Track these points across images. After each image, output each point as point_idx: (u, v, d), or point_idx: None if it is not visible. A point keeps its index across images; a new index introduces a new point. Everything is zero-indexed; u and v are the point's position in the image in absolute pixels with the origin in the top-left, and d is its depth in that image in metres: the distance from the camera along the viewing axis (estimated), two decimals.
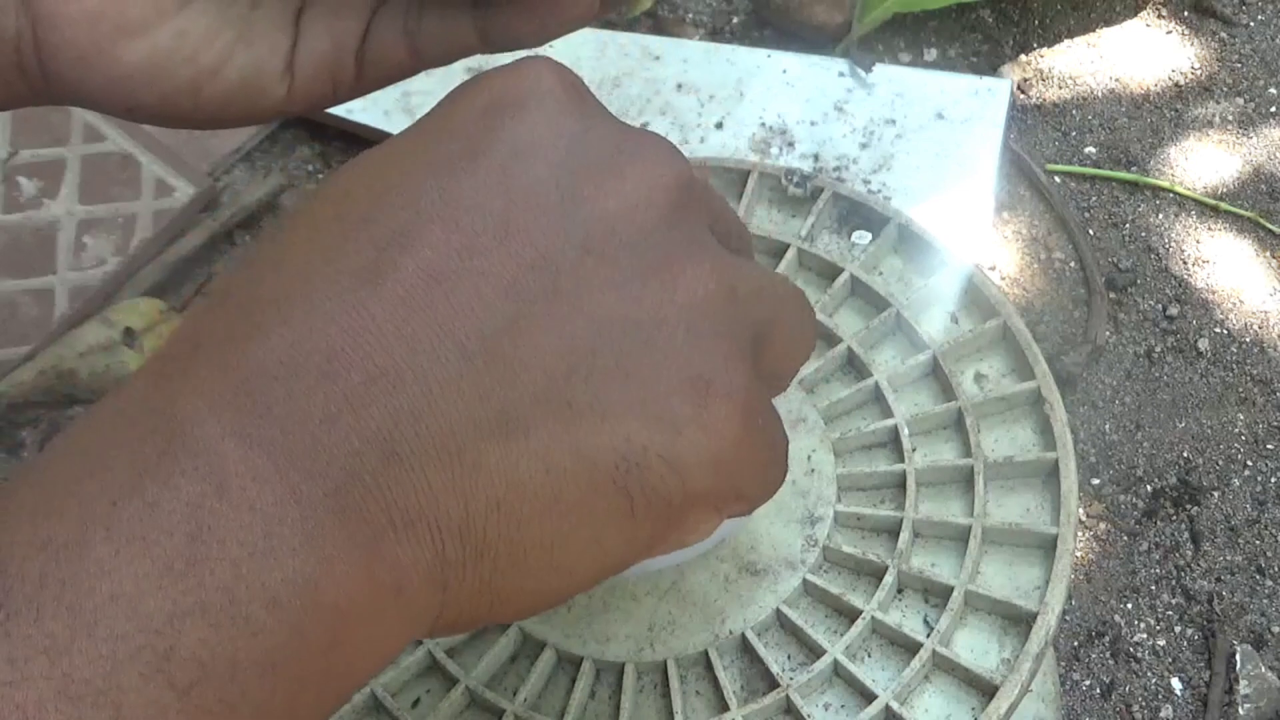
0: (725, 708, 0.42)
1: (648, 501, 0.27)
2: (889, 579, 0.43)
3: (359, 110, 0.87)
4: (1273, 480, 0.75)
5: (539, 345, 0.26)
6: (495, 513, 0.26)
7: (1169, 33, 0.95)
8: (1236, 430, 0.77)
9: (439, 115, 0.30)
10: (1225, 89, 0.92)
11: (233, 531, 0.23)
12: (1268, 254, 0.84)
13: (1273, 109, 0.91)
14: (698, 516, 0.29)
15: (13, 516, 0.23)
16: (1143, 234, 0.85)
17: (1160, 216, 0.86)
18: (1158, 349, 0.80)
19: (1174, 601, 0.71)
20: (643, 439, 0.27)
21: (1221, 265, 0.83)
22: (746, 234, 0.34)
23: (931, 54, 0.94)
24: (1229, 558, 0.73)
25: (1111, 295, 0.82)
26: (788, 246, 0.52)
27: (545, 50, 0.40)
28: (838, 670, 0.42)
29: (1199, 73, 0.93)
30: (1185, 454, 0.76)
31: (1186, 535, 0.73)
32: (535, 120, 0.29)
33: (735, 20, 0.96)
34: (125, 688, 0.22)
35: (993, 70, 0.94)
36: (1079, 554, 0.72)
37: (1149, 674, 0.69)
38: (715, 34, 0.95)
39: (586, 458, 0.27)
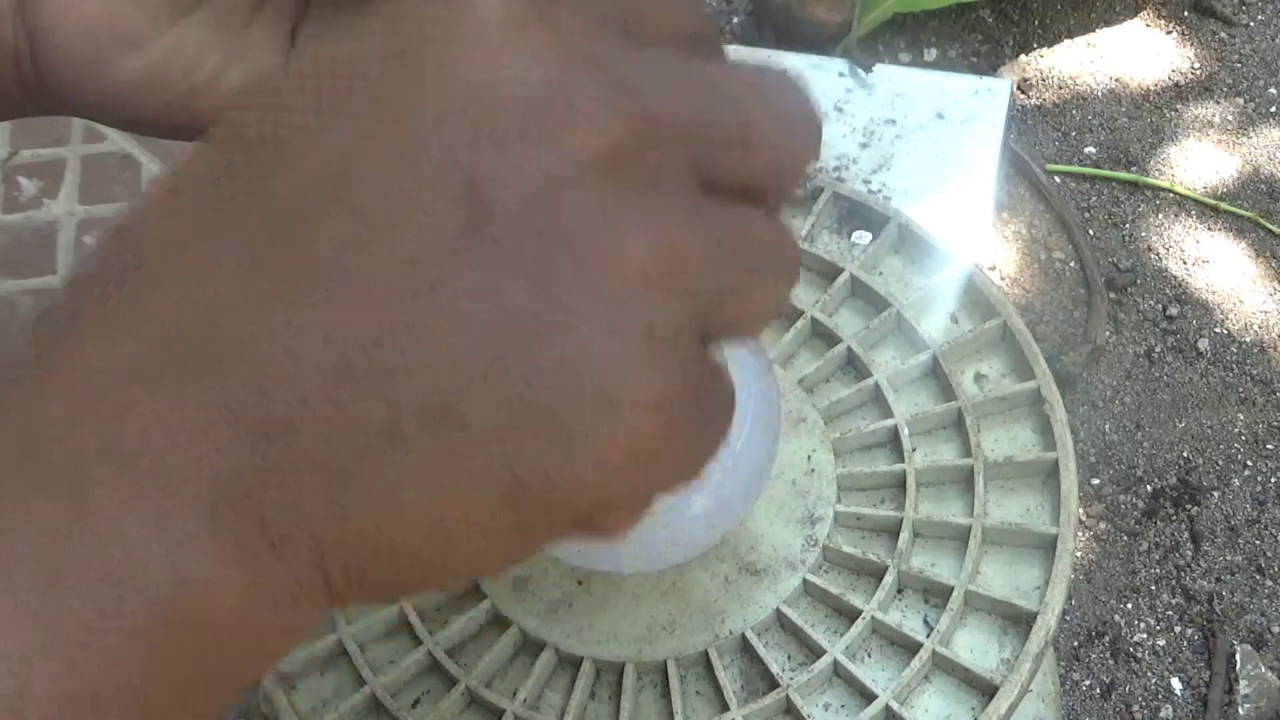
0: (725, 708, 0.41)
1: (546, 519, 0.25)
2: (889, 579, 0.43)
3: None
4: (1273, 480, 0.75)
5: (423, 354, 0.24)
6: (376, 534, 0.24)
7: (1169, 33, 0.95)
8: (1236, 430, 0.77)
9: (353, 47, 0.25)
10: (1225, 89, 0.92)
11: (90, 560, 0.22)
12: (1268, 254, 0.84)
13: (1273, 109, 0.91)
14: (612, 519, 0.27)
15: None
16: (1143, 234, 0.85)
17: (1160, 216, 0.86)
18: (1158, 349, 0.80)
19: (1174, 601, 0.71)
20: (536, 455, 0.24)
21: (1221, 265, 0.83)
22: (735, 140, 0.27)
23: (931, 54, 0.94)
24: (1229, 558, 0.73)
25: (1111, 295, 0.82)
26: None
27: None
28: (838, 670, 0.42)
29: (1199, 73, 0.93)
30: (1185, 454, 0.76)
31: (1186, 535, 0.73)
32: (453, 75, 0.25)
33: (735, 20, 0.96)
34: None
35: (993, 70, 0.94)
36: (1079, 554, 0.72)
37: (1149, 674, 0.69)
38: None
39: (473, 478, 0.24)
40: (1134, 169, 0.88)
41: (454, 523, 0.25)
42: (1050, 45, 0.95)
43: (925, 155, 0.82)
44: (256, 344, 0.23)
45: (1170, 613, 0.71)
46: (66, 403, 0.22)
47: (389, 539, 0.25)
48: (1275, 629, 0.70)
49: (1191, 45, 0.95)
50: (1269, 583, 0.71)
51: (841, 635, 0.43)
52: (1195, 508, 0.74)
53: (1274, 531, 0.73)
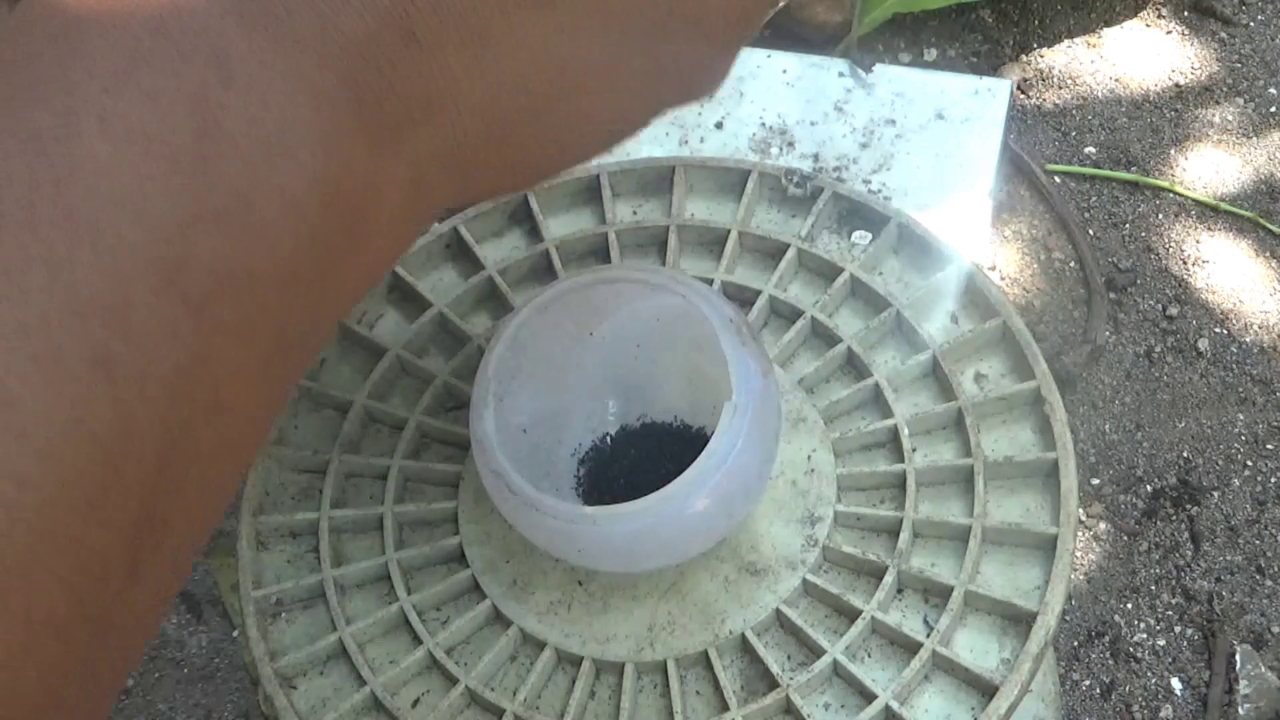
0: (725, 708, 0.42)
1: (675, 63, 0.25)
2: (889, 579, 0.43)
3: None
4: (1273, 480, 0.75)
5: None
6: (523, 93, 0.23)
7: (1169, 33, 0.95)
8: (1236, 430, 0.77)
9: None
10: (1225, 89, 0.92)
11: (243, 126, 0.20)
12: (1268, 254, 0.84)
13: (1273, 109, 0.91)
14: (716, 66, 0.27)
15: None
16: (1143, 234, 0.85)
17: (1160, 216, 0.86)
18: (1158, 349, 0.80)
19: (1174, 601, 0.71)
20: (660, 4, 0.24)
21: (1221, 265, 0.83)
22: None
23: (931, 54, 0.94)
24: (1229, 558, 0.73)
25: (1111, 295, 0.82)
26: (788, 246, 0.52)
27: None
28: (838, 670, 0.42)
29: (1199, 73, 0.93)
30: (1185, 454, 0.76)
31: (1186, 535, 0.73)
32: None
33: None
34: (135, 303, 0.19)
35: (993, 70, 0.94)
36: (1079, 554, 0.72)
37: (1149, 674, 0.69)
38: None
39: (615, 25, 0.24)
40: (1134, 169, 0.88)
41: (596, 77, 0.24)
42: (1050, 45, 0.95)
43: (925, 155, 0.82)
44: None
45: (1170, 613, 0.71)
46: None
47: (533, 97, 0.24)
48: (1275, 629, 0.70)
49: (1191, 45, 0.95)
50: (1269, 583, 0.71)
51: (841, 635, 0.43)
52: (1195, 508, 0.74)
53: (1274, 531, 0.73)
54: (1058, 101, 0.92)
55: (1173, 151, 0.89)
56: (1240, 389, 0.79)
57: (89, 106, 0.19)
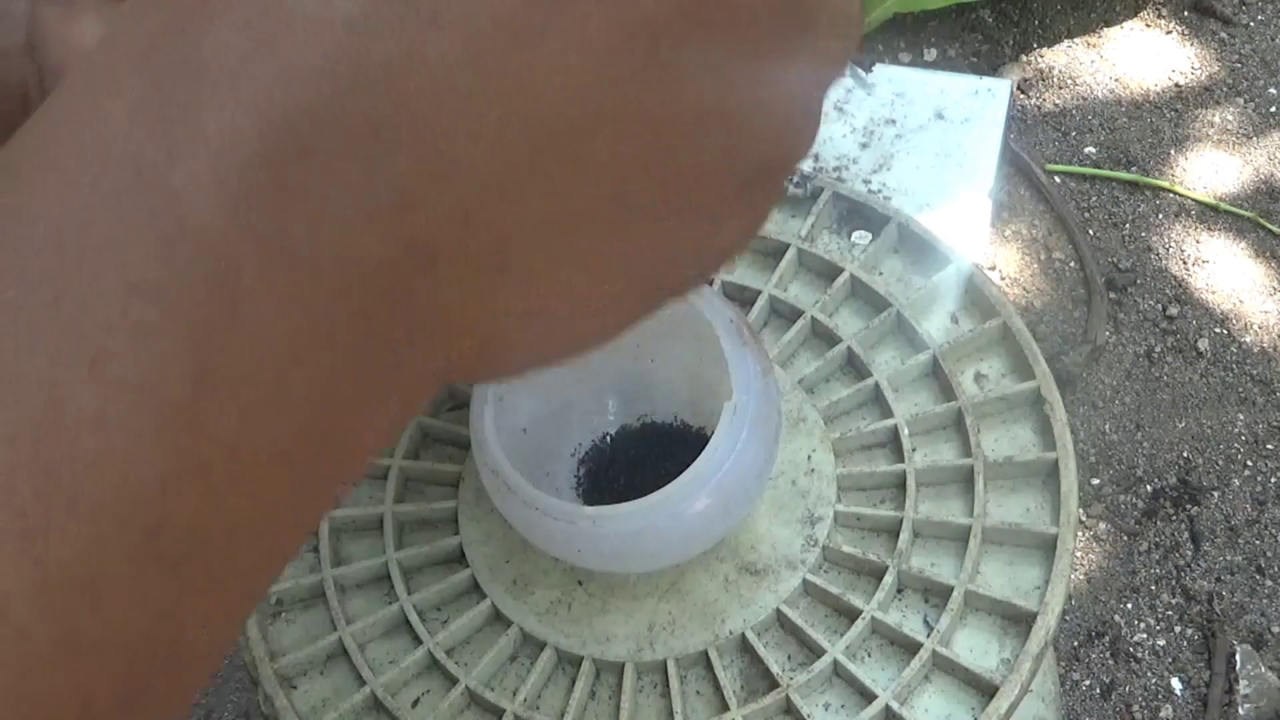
0: (725, 708, 0.42)
1: (671, 289, 0.25)
2: (889, 579, 0.43)
3: None
4: (1273, 480, 0.75)
5: (620, 142, 0.22)
6: (526, 321, 0.23)
7: (1169, 33, 0.95)
8: (1236, 430, 0.77)
9: None
10: (1225, 89, 0.92)
11: (242, 372, 0.19)
12: (1268, 254, 0.84)
13: (1273, 109, 0.91)
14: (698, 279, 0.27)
15: None
16: (1143, 234, 0.85)
17: (1160, 216, 0.86)
18: (1158, 349, 0.80)
19: (1174, 601, 0.71)
20: (686, 234, 0.24)
21: (1221, 265, 0.83)
22: None
23: (931, 54, 0.94)
24: (1229, 558, 0.73)
25: (1111, 295, 0.82)
26: (788, 246, 0.52)
27: None
28: (838, 670, 0.42)
29: (1199, 73, 0.93)
30: (1185, 454, 0.76)
31: (1186, 535, 0.73)
32: None
33: None
34: (108, 572, 0.18)
35: (993, 70, 0.94)
36: (1079, 554, 0.72)
37: (1149, 674, 0.69)
38: None
39: (631, 263, 0.23)
40: (1134, 169, 0.88)
41: (600, 305, 0.24)
42: (1050, 45, 0.95)
43: (925, 155, 0.82)
44: (433, 112, 0.20)
45: (1170, 613, 0.71)
46: (219, 191, 0.18)
47: (539, 324, 0.23)
48: (1275, 629, 0.70)
49: (1191, 45, 0.95)
50: (1269, 583, 0.71)
51: (841, 635, 0.43)
52: (1195, 508, 0.74)
53: (1274, 531, 0.73)
54: (1058, 101, 0.92)
55: (1173, 151, 0.89)
56: (1240, 389, 0.79)
57: (81, 348, 0.18)
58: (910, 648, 0.43)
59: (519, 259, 0.22)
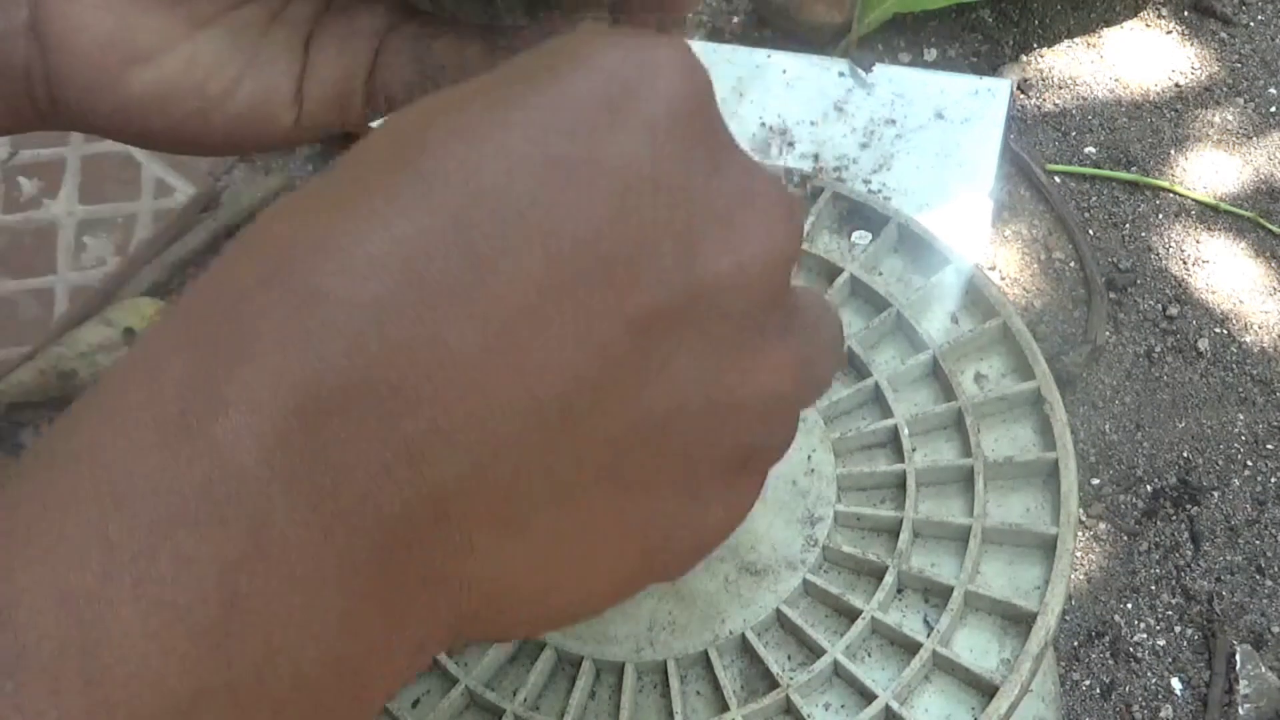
0: (725, 708, 0.41)
1: (663, 565, 0.28)
2: (889, 579, 0.43)
3: None
4: (1273, 480, 0.75)
5: (615, 417, 0.24)
6: (529, 577, 0.25)
7: (1169, 33, 0.95)
8: (1236, 430, 0.77)
9: (550, 90, 0.24)
10: (1225, 89, 0.92)
11: (270, 602, 0.21)
12: (1268, 254, 0.84)
13: (1273, 109, 0.91)
14: (691, 567, 0.30)
15: (21, 545, 0.20)
16: (1143, 234, 0.85)
17: (1160, 216, 0.86)
18: (1158, 349, 0.80)
19: (1174, 601, 0.71)
20: (677, 513, 0.27)
21: (1221, 265, 0.83)
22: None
23: (931, 54, 0.94)
24: (1229, 558, 0.73)
25: (1111, 295, 0.82)
26: None
27: None
28: (838, 670, 0.42)
29: (1199, 73, 0.93)
30: (1185, 454, 0.76)
31: (1186, 535, 0.73)
32: (664, 143, 0.24)
33: (735, 20, 0.96)
34: None
35: (993, 70, 0.94)
36: (1079, 554, 0.72)
37: (1149, 674, 0.69)
38: (715, 34, 0.95)
39: (625, 530, 0.26)
40: (1134, 169, 0.88)
41: (597, 567, 0.27)
42: (1050, 45, 0.95)
43: (925, 155, 0.82)
44: (449, 383, 0.22)
45: (1170, 613, 0.71)
46: (256, 441, 0.21)
47: (540, 579, 0.25)
48: (1275, 629, 0.70)
49: (1191, 45, 0.95)
50: (1269, 583, 0.72)
51: (841, 635, 0.43)
52: (1195, 508, 0.74)
53: (1274, 531, 0.73)
54: (1058, 101, 0.92)
55: (1173, 151, 0.89)
56: (1240, 389, 0.79)
57: (125, 570, 0.20)
58: (910, 648, 0.43)
59: (523, 517, 0.24)
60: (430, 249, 0.22)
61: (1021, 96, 0.93)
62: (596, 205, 0.23)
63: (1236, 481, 0.75)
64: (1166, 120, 0.91)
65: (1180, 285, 0.83)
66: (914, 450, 0.47)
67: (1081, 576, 0.71)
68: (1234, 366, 0.79)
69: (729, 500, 0.28)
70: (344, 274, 0.22)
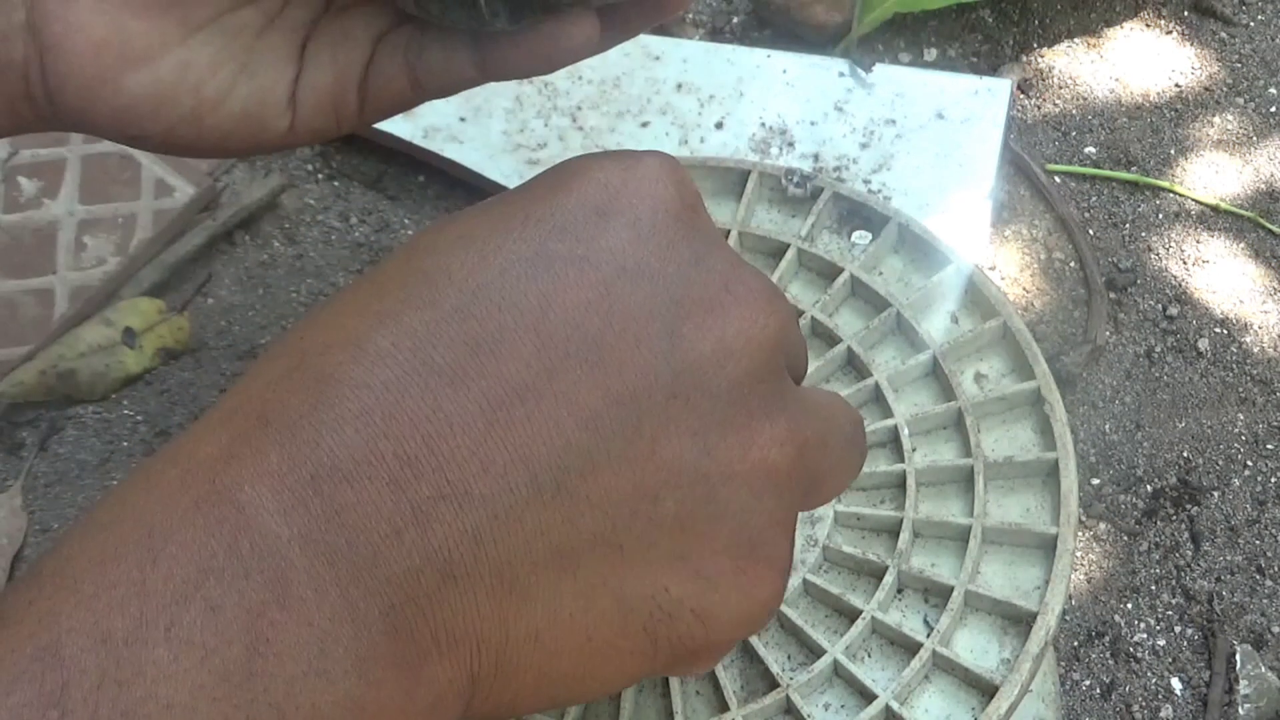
0: (725, 708, 0.41)
1: (670, 647, 0.28)
2: (889, 579, 0.43)
3: None
4: (1273, 480, 0.75)
5: (608, 486, 0.26)
6: (533, 642, 0.26)
7: (1169, 33, 0.95)
8: (1236, 430, 0.77)
9: (546, 200, 0.28)
10: (1225, 89, 0.92)
11: (290, 647, 0.23)
12: (1268, 254, 0.84)
13: (1273, 110, 0.91)
14: (711, 658, 0.30)
15: (69, 593, 0.22)
16: (1143, 234, 0.85)
17: (1160, 216, 0.86)
18: (1158, 349, 0.80)
19: (1174, 601, 0.71)
20: (680, 591, 0.28)
21: (1221, 265, 0.83)
22: (805, 352, 0.34)
23: (931, 54, 0.94)
24: (1229, 558, 0.73)
25: (1111, 295, 0.82)
26: (788, 246, 0.52)
27: None
28: (838, 670, 0.42)
29: (1199, 73, 0.93)
30: (1185, 454, 0.76)
31: (1186, 535, 0.73)
32: (648, 237, 0.27)
33: (735, 20, 0.96)
34: None
35: (993, 70, 0.94)
36: (1079, 554, 0.72)
37: (1149, 674, 0.69)
38: (715, 34, 0.95)
39: (625, 602, 0.27)
40: (1134, 169, 0.88)
41: (599, 643, 0.27)
42: (1050, 45, 0.95)
43: (925, 155, 0.82)
44: (452, 453, 0.25)
45: (1170, 613, 0.71)
46: (277, 505, 0.24)
47: (542, 648, 0.27)
48: (1275, 629, 0.70)
49: (1191, 45, 0.95)
50: (1269, 583, 0.72)
51: (841, 635, 0.43)
52: (1195, 508, 0.74)
53: (1274, 531, 0.73)
54: (1058, 101, 0.92)
55: (1173, 151, 0.89)
56: (1240, 389, 0.79)
57: (160, 615, 0.22)
58: (910, 648, 0.43)
59: (525, 579, 0.26)
60: (435, 337, 0.25)
61: (1021, 96, 0.93)
62: (584, 292, 0.26)
63: (1236, 481, 0.75)
64: (1166, 120, 0.91)
65: (1180, 285, 0.83)
66: (914, 450, 0.47)
67: (1081, 576, 0.71)
68: (1234, 366, 0.79)
69: (743, 588, 0.29)
70: (357, 363, 0.25)
